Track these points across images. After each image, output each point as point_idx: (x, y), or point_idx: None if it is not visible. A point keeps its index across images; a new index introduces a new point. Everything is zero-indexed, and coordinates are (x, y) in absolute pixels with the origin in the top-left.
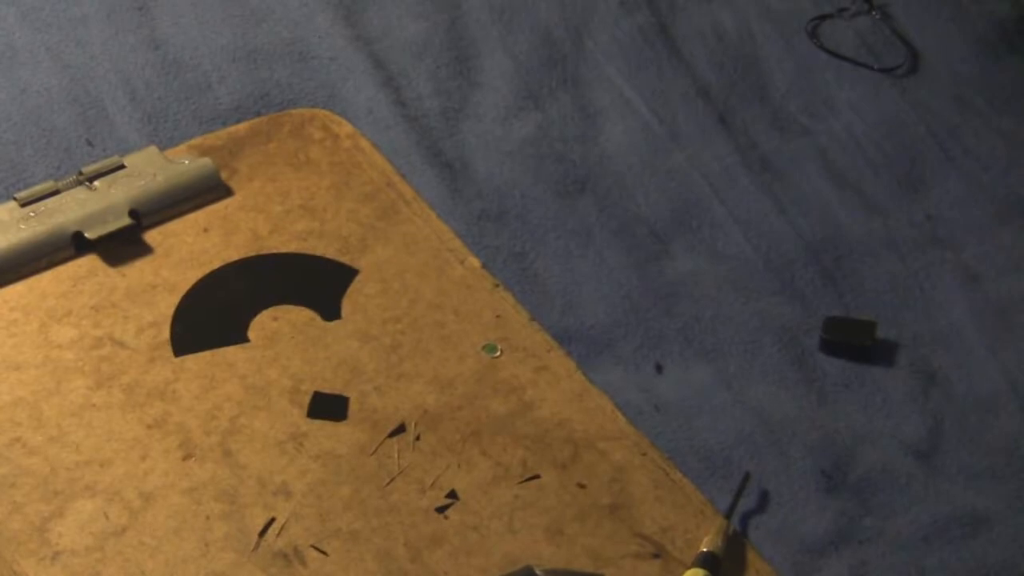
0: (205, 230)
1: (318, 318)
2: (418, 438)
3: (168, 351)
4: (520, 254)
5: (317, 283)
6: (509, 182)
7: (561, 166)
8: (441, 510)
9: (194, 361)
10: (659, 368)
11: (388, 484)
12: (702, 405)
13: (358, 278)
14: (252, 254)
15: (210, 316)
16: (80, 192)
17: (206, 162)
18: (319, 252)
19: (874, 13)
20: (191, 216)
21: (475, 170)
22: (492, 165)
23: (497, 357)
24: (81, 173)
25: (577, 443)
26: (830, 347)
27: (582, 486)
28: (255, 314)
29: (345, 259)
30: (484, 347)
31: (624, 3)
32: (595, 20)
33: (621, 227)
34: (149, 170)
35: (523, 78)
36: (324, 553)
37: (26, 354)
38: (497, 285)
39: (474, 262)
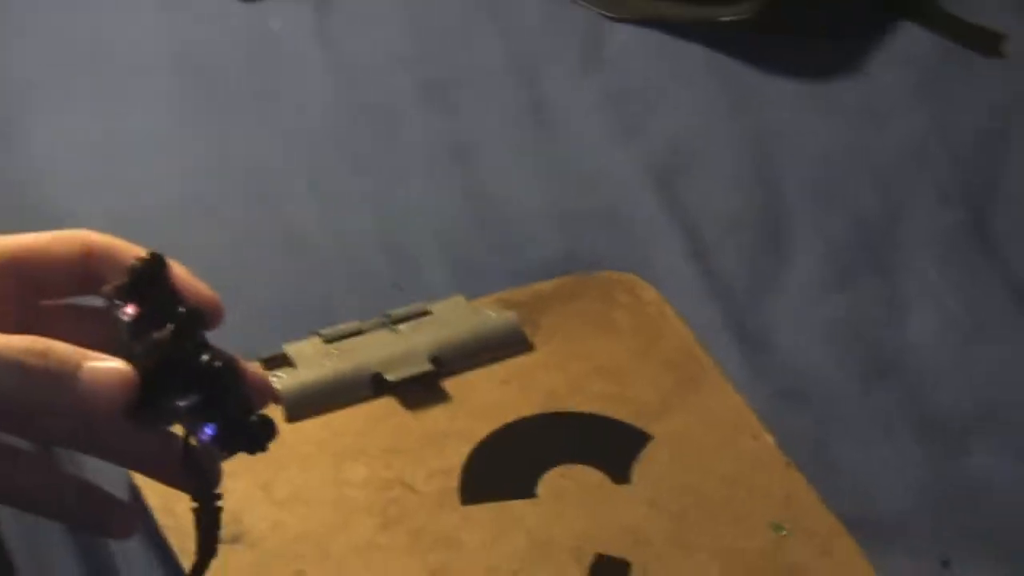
0: (503, 382)
1: (608, 480)
2: None
3: (456, 499)
4: (815, 436)
5: (610, 445)
6: (811, 362)
7: (866, 351)
8: None
9: (480, 511)
10: (945, 563)
11: None
12: None
13: (651, 444)
14: (548, 411)
15: (501, 468)
16: (384, 334)
17: (511, 316)
18: (615, 415)
19: None
20: (490, 368)
21: (777, 347)
22: (795, 343)
23: (783, 536)
24: (387, 316)
25: None
26: None
27: None
28: (545, 470)
29: (640, 424)
30: (771, 525)
31: (945, 199)
32: (912, 211)
33: (922, 419)
34: (453, 318)
35: (834, 259)
36: None
37: (317, 489)
38: (789, 464)
39: (768, 439)
